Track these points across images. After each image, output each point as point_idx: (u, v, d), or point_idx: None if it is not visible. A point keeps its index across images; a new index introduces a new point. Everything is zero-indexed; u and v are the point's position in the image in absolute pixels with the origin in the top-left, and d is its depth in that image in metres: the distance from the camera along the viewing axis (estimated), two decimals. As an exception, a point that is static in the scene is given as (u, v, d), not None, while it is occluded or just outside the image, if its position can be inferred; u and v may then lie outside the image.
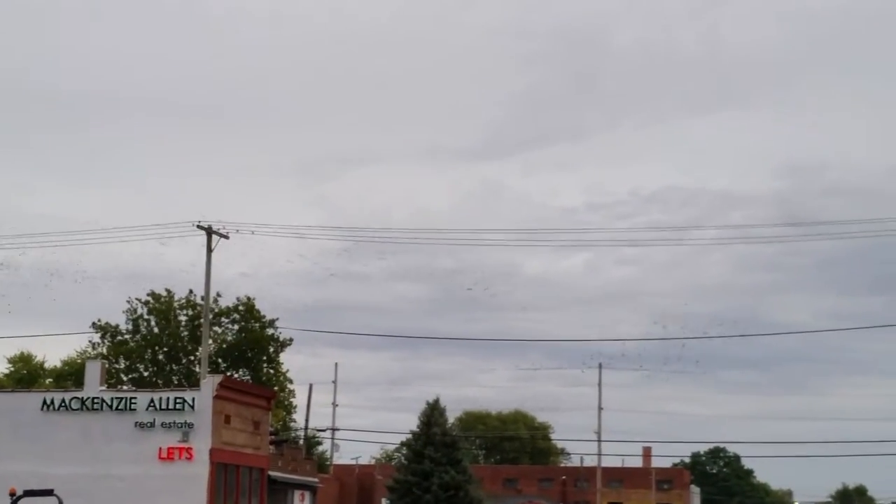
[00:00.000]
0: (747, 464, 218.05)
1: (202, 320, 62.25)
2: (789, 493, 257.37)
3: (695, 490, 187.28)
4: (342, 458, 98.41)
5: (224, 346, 79.61)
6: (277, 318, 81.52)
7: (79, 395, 52.79)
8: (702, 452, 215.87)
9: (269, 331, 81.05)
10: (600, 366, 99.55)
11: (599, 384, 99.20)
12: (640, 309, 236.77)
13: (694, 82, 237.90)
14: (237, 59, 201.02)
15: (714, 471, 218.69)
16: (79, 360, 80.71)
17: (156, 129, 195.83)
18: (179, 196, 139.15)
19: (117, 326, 79.81)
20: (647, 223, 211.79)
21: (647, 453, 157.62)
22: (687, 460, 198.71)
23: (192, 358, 76.74)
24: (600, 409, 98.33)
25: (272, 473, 58.71)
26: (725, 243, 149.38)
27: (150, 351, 79.04)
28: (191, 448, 50.54)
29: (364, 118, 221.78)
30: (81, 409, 52.12)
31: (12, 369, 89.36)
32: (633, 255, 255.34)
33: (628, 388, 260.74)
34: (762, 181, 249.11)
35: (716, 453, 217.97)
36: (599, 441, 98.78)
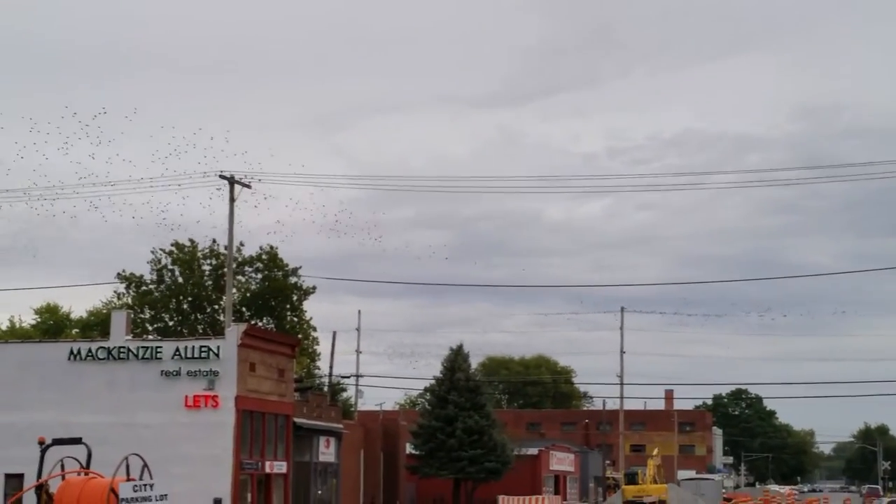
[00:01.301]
0: (769, 405, 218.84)
1: (226, 269, 62.67)
2: (811, 434, 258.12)
3: (717, 432, 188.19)
4: (366, 404, 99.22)
5: (248, 295, 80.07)
6: (300, 267, 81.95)
7: (105, 344, 53.43)
8: (723, 394, 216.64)
9: (292, 279, 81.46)
10: (622, 309, 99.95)
11: (621, 328, 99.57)
12: (659, 253, 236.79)
13: (708, 28, 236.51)
14: (250, 14, 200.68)
15: (736, 412, 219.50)
16: (104, 311, 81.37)
17: (173, 85, 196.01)
18: (198, 148, 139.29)
19: (142, 277, 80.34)
20: (666, 168, 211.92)
21: (668, 396, 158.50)
22: (709, 402, 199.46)
23: (217, 307, 77.24)
24: (622, 352, 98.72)
25: (297, 420, 59.30)
26: (744, 186, 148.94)
27: (174, 301, 79.55)
28: (216, 396, 51.16)
29: (379, 69, 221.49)
30: (108, 358, 52.76)
31: (39, 320, 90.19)
32: (653, 200, 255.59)
33: (649, 331, 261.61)
34: (779, 124, 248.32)
35: (737, 395, 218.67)
36: (622, 384, 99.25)
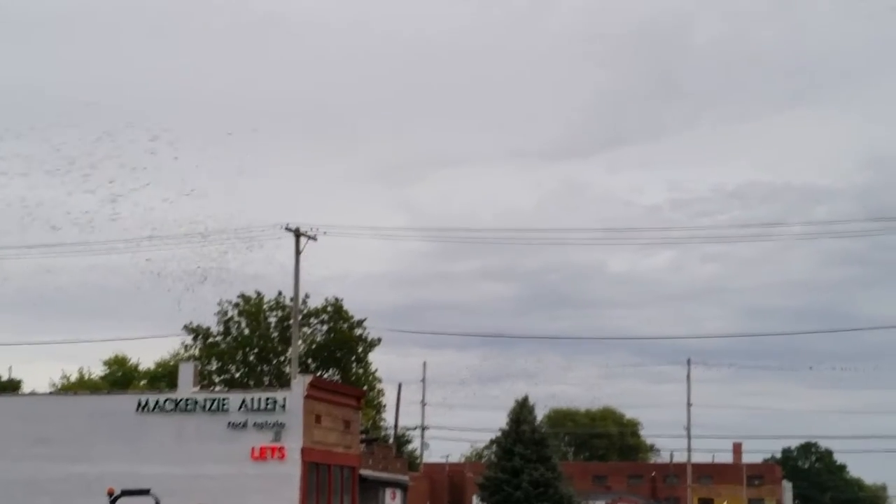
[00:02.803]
0: (840, 458, 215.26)
1: (292, 321, 62.94)
2: (883, 488, 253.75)
3: (786, 485, 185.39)
4: (432, 456, 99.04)
5: (313, 346, 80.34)
6: (365, 319, 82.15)
7: (172, 396, 53.73)
8: (793, 448, 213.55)
9: (358, 331, 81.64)
10: (689, 362, 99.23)
11: (688, 380, 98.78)
12: (725, 305, 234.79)
13: (773, 77, 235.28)
14: (319, 68, 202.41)
15: (806, 466, 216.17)
16: (172, 362, 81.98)
17: (241, 136, 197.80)
18: (266, 201, 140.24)
19: (209, 328, 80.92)
20: (731, 220, 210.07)
21: (737, 449, 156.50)
22: (778, 456, 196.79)
23: (283, 358, 77.56)
24: (689, 404, 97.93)
25: (363, 472, 59.22)
26: (811, 238, 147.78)
27: (241, 352, 79.99)
28: (283, 448, 51.21)
29: (445, 123, 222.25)
30: (175, 410, 53.04)
31: (108, 371, 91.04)
32: (718, 252, 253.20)
33: (717, 383, 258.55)
34: (846, 175, 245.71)
35: (807, 448, 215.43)
36: (689, 437, 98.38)
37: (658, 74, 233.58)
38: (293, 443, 51.33)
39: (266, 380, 76.84)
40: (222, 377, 79.43)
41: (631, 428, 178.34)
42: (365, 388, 76.53)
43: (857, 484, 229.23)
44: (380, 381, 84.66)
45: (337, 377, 78.73)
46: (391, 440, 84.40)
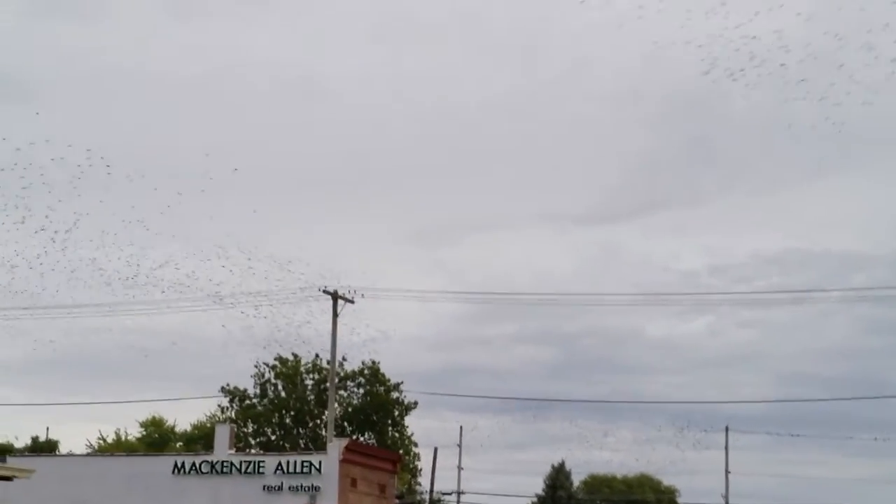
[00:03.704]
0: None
1: (328, 384, 62.99)
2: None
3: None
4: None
5: (350, 409, 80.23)
6: (402, 382, 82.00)
7: (209, 458, 53.79)
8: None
9: (394, 394, 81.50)
10: (727, 429, 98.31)
11: (726, 447, 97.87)
12: (763, 371, 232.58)
13: (810, 142, 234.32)
14: (353, 127, 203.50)
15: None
16: (208, 424, 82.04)
17: (273, 196, 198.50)
18: (299, 263, 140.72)
19: (245, 391, 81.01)
20: (769, 286, 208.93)
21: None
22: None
23: (319, 421, 77.46)
24: (727, 472, 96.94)
25: (398, 537, 58.96)
26: (849, 304, 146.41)
27: (277, 415, 79.99)
28: (318, 511, 51.07)
29: (481, 185, 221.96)
30: (211, 472, 53.05)
31: (144, 433, 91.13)
32: (755, 318, 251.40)
33: (755, 450, 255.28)
34: (885, 241, 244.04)
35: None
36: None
37: (695, 138, 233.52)
38: (328, 506, 51.22)
39: (302, 443, 76.74)
40: (258, 440, 79.39)
41: (668, 495, 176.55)
42: (401, 451, 76.27)
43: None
44: (416, 444, 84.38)
45: (373, 441, 78.53)
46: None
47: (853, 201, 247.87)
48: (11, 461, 56.07)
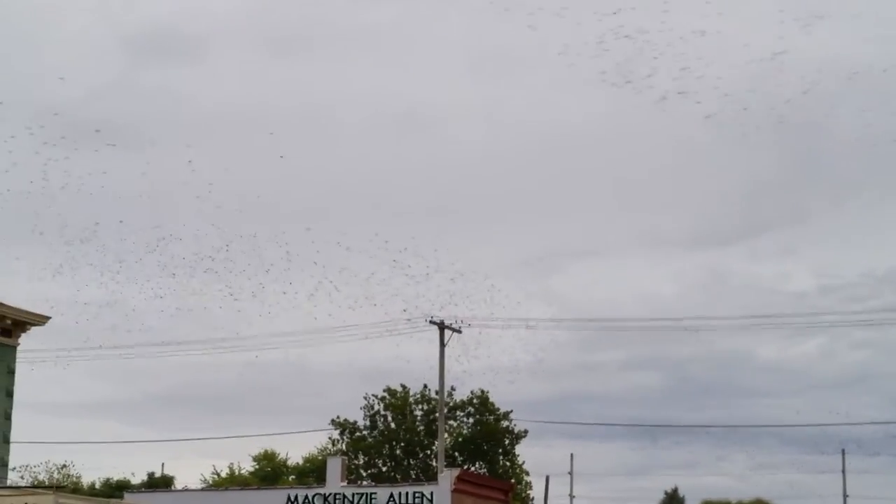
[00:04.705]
0: None
1: (438, 414, 62.99)
2: None
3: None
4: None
5: (460, 439, 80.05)
6: (511, 411, 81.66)
7: (321, 491, 53.97)
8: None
9: (504, 423, 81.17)
10: (843, 452, 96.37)
11: (843, 471, 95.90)
12: (879, 392, 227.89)
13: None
14: (454, 158, 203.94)
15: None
16: (320, 457, 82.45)
17: (375, 226, 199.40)
18: (404, 294, 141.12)
19: (355, 423, 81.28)
20: (884, 305, 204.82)
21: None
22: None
23: (429, 452, 77.43)
24: (845, 496, 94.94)
25: (512, 567, 58.58)
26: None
27: (387, 446, 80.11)
28: (431, 542, 50.93)
29: (584, 211, 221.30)
30: (324, 505, 53.24)
31: (257, 467, 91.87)
32: (870, 339, 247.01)
33: (874, 473, 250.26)
34: None
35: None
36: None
37: (801, 155, 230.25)
38: (442, 537, 51.06)
39: (413, 474, 76.75)
40: (369, 471, 79.57)
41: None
42: (512, 480, 75.90)
43: None
44: (527, 473, 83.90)
45: (484, 470, 78.25)
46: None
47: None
48: (129, 497, 56.94)
